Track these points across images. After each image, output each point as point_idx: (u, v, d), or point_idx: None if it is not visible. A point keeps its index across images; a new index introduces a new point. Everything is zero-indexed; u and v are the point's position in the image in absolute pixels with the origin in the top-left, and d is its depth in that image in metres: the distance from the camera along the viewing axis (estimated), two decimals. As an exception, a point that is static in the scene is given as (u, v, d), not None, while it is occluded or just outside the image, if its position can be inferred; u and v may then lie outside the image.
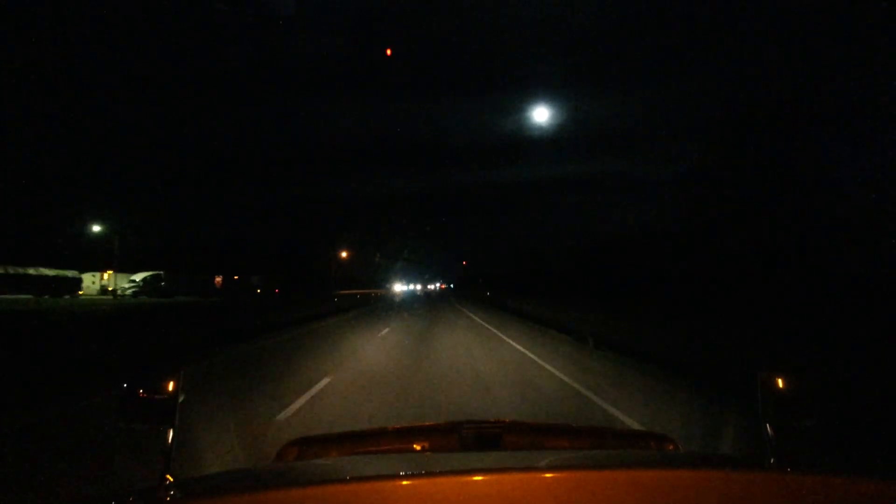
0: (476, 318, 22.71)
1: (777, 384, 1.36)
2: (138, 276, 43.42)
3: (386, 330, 16.49)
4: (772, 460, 1.26)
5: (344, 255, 70.56)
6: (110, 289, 42.92)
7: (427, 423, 1.93)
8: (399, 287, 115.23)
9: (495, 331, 16.59)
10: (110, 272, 44.70)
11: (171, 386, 1.33)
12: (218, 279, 56.80)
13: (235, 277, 60.83)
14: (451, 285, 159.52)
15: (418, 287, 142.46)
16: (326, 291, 54.74)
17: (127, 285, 42.78)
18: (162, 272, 44.88)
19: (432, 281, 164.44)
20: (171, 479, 1.24)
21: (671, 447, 1.73)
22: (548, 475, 0.99)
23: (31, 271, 35.14)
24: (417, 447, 1.77)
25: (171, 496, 1.10)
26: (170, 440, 1.30)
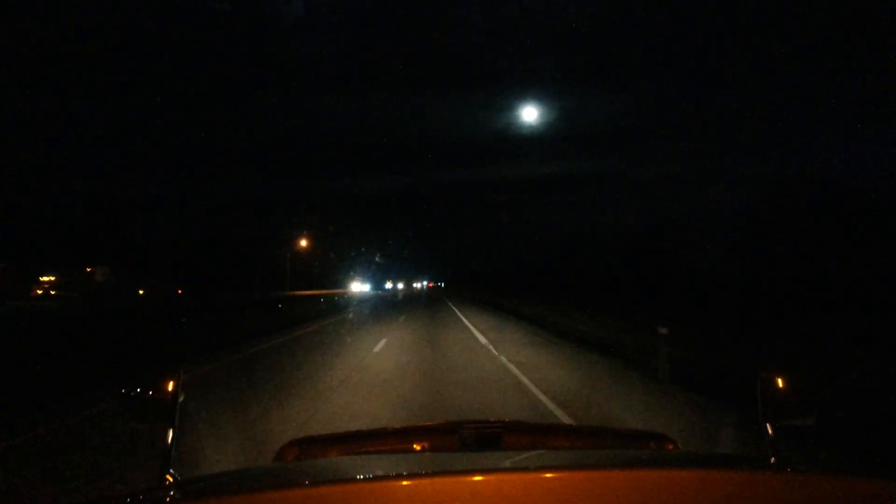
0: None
1: (777, 384, 1.36)
2: None
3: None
4: (772, 460, 1.26)
5: (304, 243, 52.98)
6: None
7: (427, 424, 1.92)
8: (357, 287, 73.25)
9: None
10: None
11: (170, 386, 1.33)
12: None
13: (89, 270, 40.47)
14: (442, 284, 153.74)
15: (400, 286, 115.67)
16: (267, 294, 37.37)
17: None
18: None
19: (418, 279, 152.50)
20: (171, 480, 1.23)
21: (671, 447, 1.73)
22: (548, 475, 0.99)
23: None
24: (417, 447, 1.77)
25: (170, 496, 1.10)
26: (169, 440, 1.30)
